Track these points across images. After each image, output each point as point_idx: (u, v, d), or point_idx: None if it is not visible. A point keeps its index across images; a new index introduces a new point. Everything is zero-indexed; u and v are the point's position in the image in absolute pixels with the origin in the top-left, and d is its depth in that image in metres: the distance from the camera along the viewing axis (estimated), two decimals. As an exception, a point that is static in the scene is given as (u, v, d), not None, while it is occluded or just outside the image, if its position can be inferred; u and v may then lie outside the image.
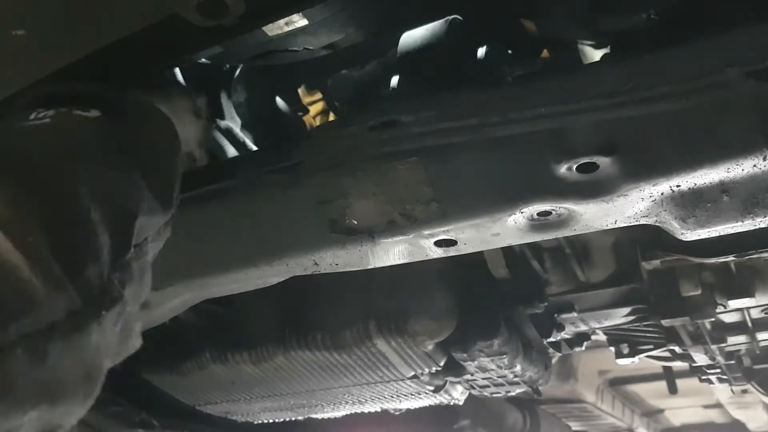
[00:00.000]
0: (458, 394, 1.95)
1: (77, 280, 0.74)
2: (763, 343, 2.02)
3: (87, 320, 0.74)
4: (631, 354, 2.11)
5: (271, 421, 2.19)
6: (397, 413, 2.18)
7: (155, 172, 0.93)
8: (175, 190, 0.97)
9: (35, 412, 0.68)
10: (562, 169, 0.98)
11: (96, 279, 0.77)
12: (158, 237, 0.97)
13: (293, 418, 2.17)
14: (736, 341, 2.00)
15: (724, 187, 0.96)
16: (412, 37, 1.18)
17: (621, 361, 2.15)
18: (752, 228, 1.02)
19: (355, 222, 1.12)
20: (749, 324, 1.92)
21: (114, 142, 0.89)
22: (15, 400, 0.65)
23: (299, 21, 1.03)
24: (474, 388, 1.95)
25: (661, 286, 1.71)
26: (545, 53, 1.39)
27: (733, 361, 2.17)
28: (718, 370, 2.24)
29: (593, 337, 2.12)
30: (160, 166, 0.95)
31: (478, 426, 2.53)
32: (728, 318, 1.92)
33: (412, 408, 2.06)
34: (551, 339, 1.90)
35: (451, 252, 1.16)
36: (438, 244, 1.14)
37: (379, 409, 2.09)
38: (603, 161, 0.96)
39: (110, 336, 0.80)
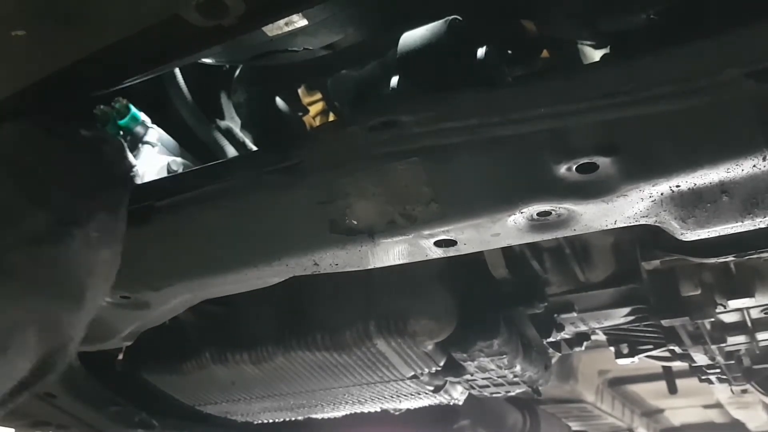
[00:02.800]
0: (458, 394, 1.95)
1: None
2: (762, 343, 2.02)
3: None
4: (631, 354, 2.12)
5: (271, 421, 2.19)
6: (397, 413, 2.18)
7: None
8: None
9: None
10: (562, 170, 0.98)
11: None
12: None
13: (293, 418, 2.17)
14: (736, 341, 2.00)
15: (723, 188, 0.96)
16: (412, 37, 1.18)
17: (621, 361, 2.15)
18: (752, 228, 1.02)
19: (355, 222, 1.12)
20: (749, 324, 1.92)
21: None
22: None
23: (299, 21, 1.03)
24: (474, 388, 1.95)
25: (660, 287, 1.71)
26: (545, 53, 1.39)
27: (732, 361, 2.17)
28: (718, 370, 2.24)
29: (593, 337, 2.12)
30: None
31: (477, 426, 2.53)
32: (728, 318, 1.92)
33: (412, 408, 2.06)
34: (551, 339, 1.90)
35: (451, 252, 1.16)
36: (438, 244, 1.13)
37: (379, 409, 2.09)
38: (603, 161, 0.96)
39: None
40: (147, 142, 1.49)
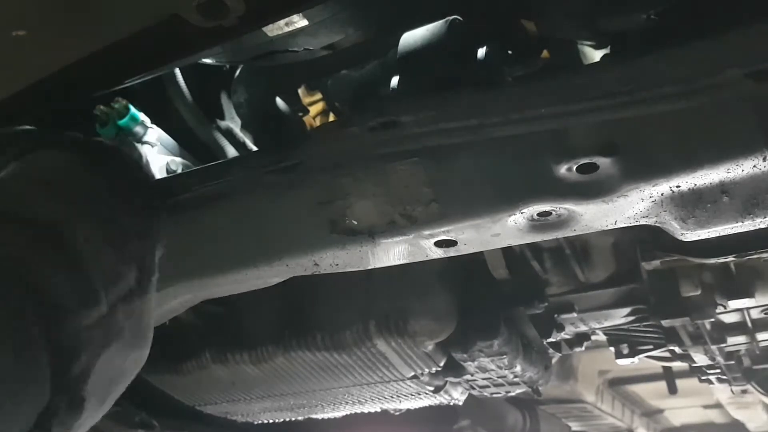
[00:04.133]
0: (458, 395, 1.95)
1: None
2: (762, 344, 2.02)
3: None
4: (631, 354, 2.12)
5: (271, 421, 2.19)
6: (397, 413, 2.18)
7: None
8: None
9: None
10: (562, 170, 0.98)
11: None
12: None
13: (293, 419, 2.17)
14: (736, 341, 2.00)
15: (723, 188, 0.96)
16: (412, 37, 1.18)
17: (621, 362, 2.15)
18: (752, 228, 1.02)
19: (355, 222, 1.12)
20: (749, 324, 1.92)
21: None
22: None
23: (299, 21, 1.03)
24: (474, 389, 1.95)
25: (661, 287, 1.71)
26: (545, 53, 1.39)
27: (732, 362, 2.17)
28: (718, 371, 2.24)
29: (593, 338, 2.12)
30: None
31: (478, 426, 2.53)
32: (728, 318, 1.92)
33: (412, 408, 2.06)
34: (551, 339, 1.90)
35: (451, 252, 1.16)
36: (438, 244, 1.13)
37: (379, 410, 2.09)
38: (603, 162, 0.96)
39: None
40: (146, 142, 1.49)
